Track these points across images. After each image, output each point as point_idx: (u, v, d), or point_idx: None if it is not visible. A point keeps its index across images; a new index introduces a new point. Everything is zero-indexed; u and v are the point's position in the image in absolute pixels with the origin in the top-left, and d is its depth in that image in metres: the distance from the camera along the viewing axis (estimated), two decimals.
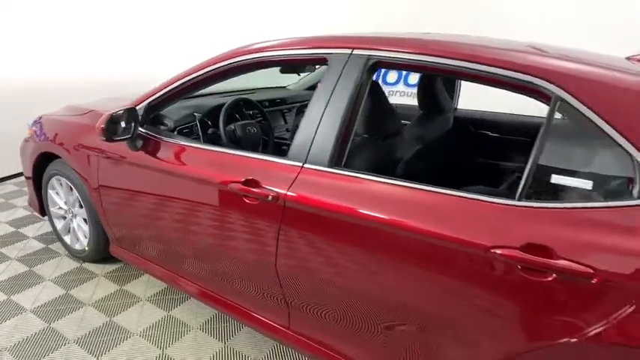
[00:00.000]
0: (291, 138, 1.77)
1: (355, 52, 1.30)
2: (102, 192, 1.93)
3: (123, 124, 1.66)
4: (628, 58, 1.35)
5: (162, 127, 1.84)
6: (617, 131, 0.94)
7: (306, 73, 2.77)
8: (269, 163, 1.40)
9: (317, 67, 2.48)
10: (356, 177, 1.23)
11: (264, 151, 2.10)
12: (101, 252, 2.19)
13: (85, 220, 2.18)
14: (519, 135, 2.05)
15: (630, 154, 0.93)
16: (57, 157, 2.17)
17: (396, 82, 3.98)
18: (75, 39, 3.80)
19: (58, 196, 2.29)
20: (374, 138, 1.53)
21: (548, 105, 1.03)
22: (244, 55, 1.51)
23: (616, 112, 0.95)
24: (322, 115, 1.31)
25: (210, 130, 1.94)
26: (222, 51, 1.59)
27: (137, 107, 1.74)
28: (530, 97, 1.08)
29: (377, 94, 1.49)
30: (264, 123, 2.20)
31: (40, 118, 2.33)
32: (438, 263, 1.09)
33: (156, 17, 4.29)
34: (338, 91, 1.29)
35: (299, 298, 1.41)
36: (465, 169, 2.02)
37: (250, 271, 1.51)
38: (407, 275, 1.15)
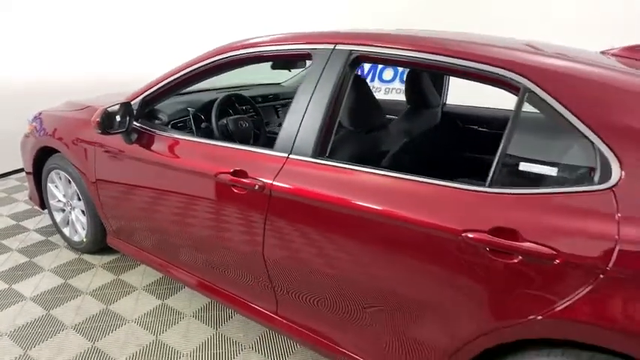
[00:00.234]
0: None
1: (338, 47, 1.35)
2: (99, 185, 1.99)
3: (118, 118, 1.72)
4: (602, 53, 1.40)
5: (156, 122, 1.90)
6: (580, 120, 0.99)
7: (301, 70, 2.82)
8: (257, 154, 1.46)
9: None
10: (338, 167, 1.28)
11: (256, 145, 2.16)
12: (99, 243, 2.26)
13: (82, 212, 2.25)
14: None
15: (592, 142, 0.97)
16: (56, 151, 2.23)
17: (392, 80, 4.04)
18: (76, 39, 3.87)
19: (57, 189, 2.36)
20: (358, 131, 1.58)
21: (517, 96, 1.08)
22: (233, 51, 1.57)
23: (579, 102, 1.00)
24: (306, 108, 1.36)
25: (203, 125, 2.00)
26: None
27: (132, 102, 1.80)
28: (500, 88, 1.13)
29: (361, 88, 1.54)
30: (256, 118, 2.26)
31: (40, 113, 2.39)
32: (415, 248, 1.14)
33: (156, 16, 4.35)
34: (321, 85, 1.34)
35: (285, 284, 1.46)
36: (452, 163, 2.06)
37: (240, 259, 1.56)
38: (385, 260, 1.20)
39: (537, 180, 1.05)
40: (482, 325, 1.07)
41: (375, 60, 1.36)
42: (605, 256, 0.90)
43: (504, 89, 1.12)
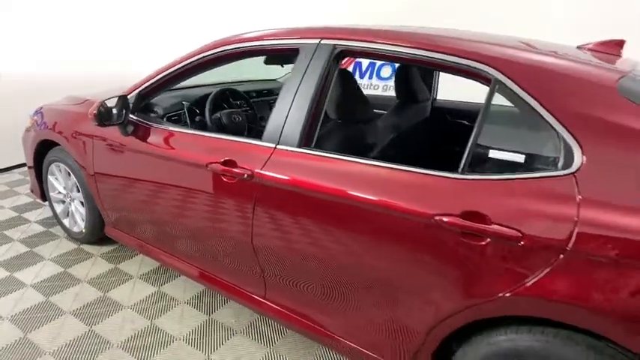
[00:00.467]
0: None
1: (323, 42, 1.41)
2: (97, 178, 2.06)
3: (114, 111, 1.78)
4: (578, 47, 1.45)
5: (152, 115, 1.97)
6: (546, 109, 1.04)
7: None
8: (246, 145, 1.52)
9: None
10: (322, 156, 1.34)
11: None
12: (97, 233, 2.33)
13: (82, 203, 2.32)
14: None
15: (557, 130, 1.03)
16: (56, 144, 2.30)
17: (390, 77, 4.09)
18: (78, 37, 3.94)
19: (58, 181, 2.43)
20: (345, 122, 1.64)
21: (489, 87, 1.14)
22: (225, 45, 1.63)
23: (545, 93, 1.06)
24: (293, 100, 1.42)
25: (197, 118, 2.06)
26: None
27: (128, 95, 1.87)
28: (474, 80, 1.18)
29: (346, 81, 1.60)
30: (250, 112, 2.32)
31: (41, 108, 2.46)
32: (392, 232, 1.20)
33: (157, 13, 4.42)
34: (307, 78, 1.40)
35: (272, 269, 1.53)
36: (438, 155, 2.12)
37: (230, 245, 1.63)
38: (364, 244, 1.26)
39: (506, 167, 1.10)
40: (456, 304, 1.13)
41: (357, 54, 1.42)
42: (566, 237, 0.95)
43: (477, 81, 1.18)
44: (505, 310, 1.07)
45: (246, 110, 2.32)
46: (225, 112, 2.05)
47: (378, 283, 1.28)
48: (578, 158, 0.99)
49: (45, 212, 2.86)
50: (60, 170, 2.37)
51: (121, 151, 1.91)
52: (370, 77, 4.26)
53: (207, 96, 2.12)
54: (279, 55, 2.05)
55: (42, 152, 2.43)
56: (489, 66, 1.12)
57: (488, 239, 1.05)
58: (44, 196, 2.57)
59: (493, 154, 1.11)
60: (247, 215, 1.49)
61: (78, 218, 2.39)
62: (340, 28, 1.43)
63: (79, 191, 2.29)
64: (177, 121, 2.08)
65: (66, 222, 2.49)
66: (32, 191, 2.69)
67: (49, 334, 1.75)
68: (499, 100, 1.13)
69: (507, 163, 1.11)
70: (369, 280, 1.30)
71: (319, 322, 1.50)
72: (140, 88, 1.89)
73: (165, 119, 1.99)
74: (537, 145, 1.11)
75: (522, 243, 1.00)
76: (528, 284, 1.01)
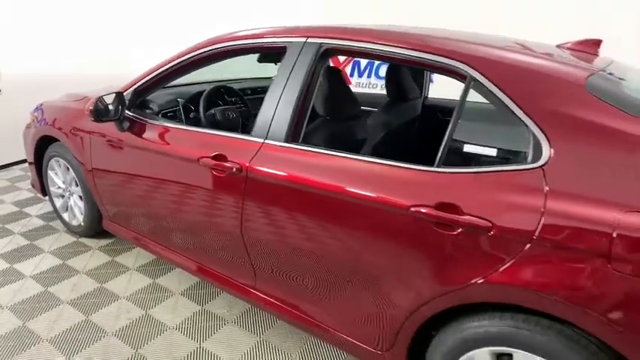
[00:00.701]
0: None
1: (309, 40, 1.46)
2: (95, 173, 2.12)
3: (111, 107, 1.84)
4: (558, 46, 1.50)
5: (148, 111, 2.02)
6: (517, 105, 1.09)
7: None
8: (236, 140, 1.57)
9: None
10: (307, 151, 1.39)
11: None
12: (95, 227, 2.39)
13: (80, 197, 2.38)
14: None
15: (527, 125, 1.08)
16: (56, 140, 2.37)
17: None
18: (80, 37, 4.01)
19: (57, 176, 2.50)
20: (333, 119, 1.69)
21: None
22: (217, 44, 1.68)
23: (517, 89, 1.10)
24: (280, 97, 1.47)
25: (192, 115, 2.12)
26: None
27: (125, 92, 1.93)
28: (451, 77, 1.23)
29: (334, 79, 1.65)
30: (244, 109, 2.37)
31: (41, 104, 2.53)
32: (372, 223, 1.25)
33: (157, 17, 4.48)
34: (294, 75, 1.46)
35: (261, 260, 1.58)
36: (428, 152, 2.17)
37: (222, 238, 1.68)
38: (346, 235, 1.31)
39: (480, 160, 1.15)
40: (432, 291, 1.17)
41: (342, 52, 1.47)
42: (532, 227, 1.00)
43: (453, 78, 1.22)
44: (478, 296, 1.11)
45: (241, 107, 2.38)
46: (220, 108, 2.10)
47: (360, 273, 1.33)
48: (547, 152, 1.04)
49: (45, 207, 2.93)
50: (59, 165, 2.44)
51: (117, 147, 1.97)
52: (369, 76, 4.31)
53: (202, 93, 2.17)
54: (270, 53, 2.10)
55: (42, 148, 2.49)
56: (464, 63, 1.17)
57: (461, 229, 1.10)
58: (44, 190, 2.63)
59: (467, 148, 1.16)
60: (237, 208, 1.55)
61: (77, 212, 2.46)
62: (326, 27, 1.48)
63: (77, 186, 2.35)
64: (173, 117, 2.13)
65: (65, 216, 2.56)
66: (33, 186, 2.76)
67: (47, 323, 1.81)
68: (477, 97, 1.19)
69: (481, 157, 1.16)
70: (351, 270, 1.35)
71: (306, 311, 1.55)
72: (136, 85, 1.94)
73: (160, 116, 2.05)
74: (509, 140, 1.16)
75: (492, 233, 1.05)
76: (497, 272, 1.05)
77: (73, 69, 3.94)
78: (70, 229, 2.56)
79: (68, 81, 3.72)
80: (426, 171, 1.17)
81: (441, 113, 2.38)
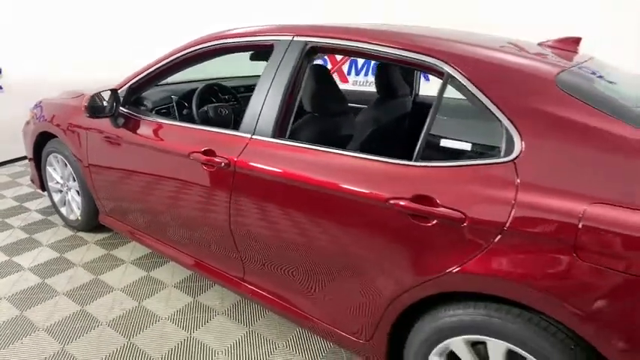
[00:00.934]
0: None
1: (295, 38, 1.50)
2: (90, 168, 2.17)
3: (105, 104, 1.89)
4: (539, 44, 1.53)
5: (142, 108, 2.07)
6: (491, 101, 1.13)
7: None
8: (225, 135, 1.62)
9: None
10: (293, 146, 1.43)
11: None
12: (92, 221, 2.44)
13: (77, 192, 2.43)
14: None
15: (500, 120, 1.11)
16: (54, 136, 2.42)
17: None
18: (81, 38, 4.07)
19: (55, 171, 2.55)
20: (321, 116, 1.73)
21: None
22: (208, 42, 1.72)
23: (491, 85, 1.14)
24: (267, 93, 1.51)
25: (185, 111, 2.16)
26: None
27: (119, 90, 1.97)
28: (430, 74, 1.27)
29: (321, 76, 1.69)
30: (236, 106, 2.42)
31: (41, 101, 2.58)
32: (354, 216, 1.29)
33: (158, 18, 4.53)
34: (280, 72, 1.50)
35: (249, 252, 1.63)
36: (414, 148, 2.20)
37: (212, 231, 1.73)
38: (329, 227, 1.35)
39: (457, 154, 1.19)
40: (410, 281, 1.21)
41: (326, 50, 1.51)
42: (503, 218, 1.04)
43: (433, 75, 1.26)
44: (453, 286, 1.15)
45: (234, 104, 2.42)
46: (212, 105, 2.15)
47: (342, 264, 1.37)
48: (518, 146, 1.07)
49: (44, 202, 2.99)
50: (57, 161, 2.49)
51: (111, 143, 2.02)
52: (366, 74, 4.35)
53: (195, 90, 2.22)
54: (261, 52, 2.14)
55: (41, 144, 2.55)
56: (441, 60, 1.21)
57: (436, 221, 1.13)
58: (43, 186, 2.69)
59: (444, 143, 1.20)
60: (225, 202, 1.59)
61: (74, 207, 2.51)
62: (311, 26, 1.52)
63: (74, 181, 2.41)
64: (167, 114, 2.18)
65: (63, 210, 2.61)
66: (32, 181, 2.81)
67: (43, 313, 1.87)
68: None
69: (459, 151, 1.20)
70: (334, 262, 1.39)
71: (293, 302, 1.60)
72: (130, 82, 1.99)
73: (154, 112, 2.10)
74: (484, 135, 1.19)
75: (465, 224, 1.09)
76: (470, 262, 1.09)
77: (74, 69, 3.99)
78: (67, 223, 2.62)
79: (69, 80, 3.78)
80: (404, 165, 1.21)
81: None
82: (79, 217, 2.49)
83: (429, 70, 1.25)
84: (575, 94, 1.08)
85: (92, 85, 2.69)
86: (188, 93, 2.22)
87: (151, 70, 1.91)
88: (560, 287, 0.99)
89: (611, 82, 1.31)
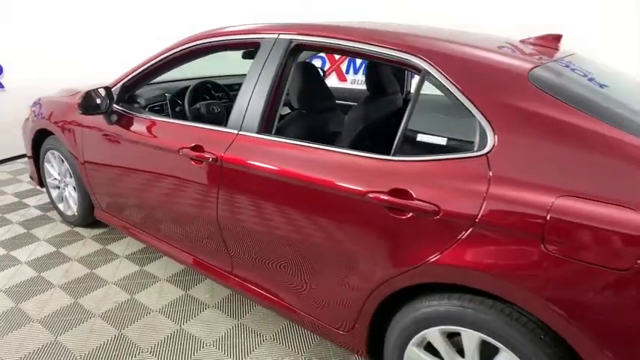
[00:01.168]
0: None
1: (280, 36, 1.53)
2: (86, 164, 2.22)
3: (99, 101, 1.93)
4: (521, 41, 1.55)
5: (136, 105, 2.11)
6: (466, 97, 1.15)
7: None
8: (213, 131, 1.65)
9: None
10: (278, 142, 1.46)
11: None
12: (88, 216, 2.49)
13: (74, 188, 2.48)
14: None
15: (474, 115, 1.14)
16: (52, 133, 2.47)
17: None
18: (82, 38, 4.13)
19: (53, 168, 2.60)
20: (308, 112, 1.76)
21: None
22: (197, 40, 1.76)
23: (466, 81, 1.16)
24: (253, 90, 1.54)
25: (177, 108, 2.20)
26: None
27: (113, 87, 2.02)
28: (409, 71, 1.29)
29: (308, 73, 1.72)
30: (229, 104, 2.45)
31: (39, 99, 2.63)
32: (336, 209, 1.31)
33: (158, 19, 4.59)
34: (266, 70, 1.53)
35: (236, 246, 1.66)
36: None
37: (201, 225, 1.76)
38: (312, 220, 1.38)
39: (433, 149, 1.22)
40: (388, 272, 1.23)
41: (310, 47, 1.53)
42: (475, 211, 1.06)
43: (411, 71, 1.29)
44: (428, 277, 1.18)
45: (226, 102, 2.46)
46: (205, 103, 2.18)
47: (324, 257, 1.40)
48: (491, 140, 1.10)
49: (43, 198, 3.04)
50: (55, 157, 2.54)
51: (105, 139, 2.06)
52: (364, 73, 4.37)
53: (188, 88, 2.25)
54: (254, 50, 2.17)
55: (39, 141, 2.60)
56: (418, 57, 1.23)
57: (411, 213, 1.16)
58: (42, 182, 2.74)
59: (421, 137, 1.22)
60: (213, 196, 1.63)
61: (71, 202, 2.56)
62: (296, 24, 1.55)
63: (71, 177, 2.45)
64: (160, 111, 2.22)
65: (61, 206, 2.66)
66: (31, 178, 2.87)
67: (38, 305, 1.91)
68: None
69: (435, 146, 1.22)
70: (316, 255, 1.41)
71: (278, 295, 1.63)
72: (124, 80, 2.03)
73: (148, 109, 2.14)
74: (459, 130, 1.22)
75: (439, 216, 1.11)
76: (444, 254, 1.12)
77: (74, 68, 4.05)
78: (65, 218, 2.67)
79: (70, 78, 3.84)
80: (382, 160, 1.23)
81: None
82: (76, 213, 2.53)
83: (407, 66, 1.28)
84: (547, 89, 1.10)
85: (92, 83, 2.75)
86: (181, 91, 2.26)
87: (143, 68, 1.95)
88: (529, 278, 1.01)
89: (590, 79, 1.33)
